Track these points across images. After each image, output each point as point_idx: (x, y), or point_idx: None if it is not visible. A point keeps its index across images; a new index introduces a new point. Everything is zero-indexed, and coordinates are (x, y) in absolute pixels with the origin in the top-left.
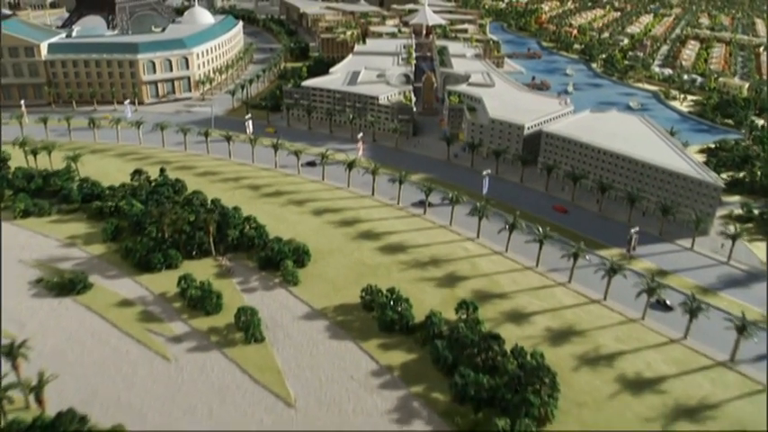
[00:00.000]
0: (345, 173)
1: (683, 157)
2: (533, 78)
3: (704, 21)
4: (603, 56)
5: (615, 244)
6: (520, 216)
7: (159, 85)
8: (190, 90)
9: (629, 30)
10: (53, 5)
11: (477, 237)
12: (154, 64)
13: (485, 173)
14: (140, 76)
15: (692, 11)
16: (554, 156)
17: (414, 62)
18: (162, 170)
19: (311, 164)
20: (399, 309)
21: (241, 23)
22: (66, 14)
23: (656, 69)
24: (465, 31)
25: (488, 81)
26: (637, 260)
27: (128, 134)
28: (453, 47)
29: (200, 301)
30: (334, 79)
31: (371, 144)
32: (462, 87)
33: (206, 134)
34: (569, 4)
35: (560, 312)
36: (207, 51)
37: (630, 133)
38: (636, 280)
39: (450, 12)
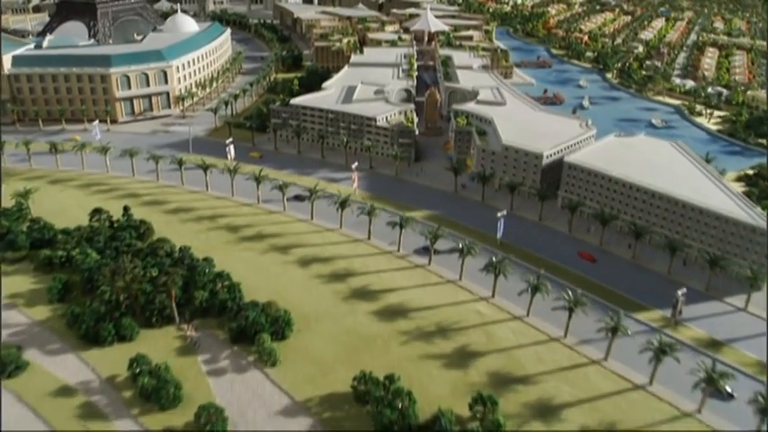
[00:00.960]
0: (338, 211)
1: (728, 194)
2: (545, 91)
3: (719, 25)
4: (618, 65)
5: (655, 304)
6: (539, 264)
7: (135, 101)
8: (169, 107)
9: (643, 36)
10: (36, 9)
11: (493, 296)
12: (128, 78)
13: (499, 214)
14: (113, 91)
15: (704, 14)
16: (577, 190)
17: (415, 74)
18: (125, 209)
19: (299, 198)
20: (400, 405)
21: (229, 31)
22: (49, 19)
23: (677, 81)
24: (470, 38)
25: (499, 98)
26: (683, 326)
27: (95, 160)
28: (458, 56)
29: (154, 392)
30: (327, 96)
31: (368, 172)
32: (470, 106)
33: (180, 162)
34: (577, 7)
35: (597, 404)
36: (188, 63)
37: (664, 163)
38: (689, 362)
39: (454, 16)
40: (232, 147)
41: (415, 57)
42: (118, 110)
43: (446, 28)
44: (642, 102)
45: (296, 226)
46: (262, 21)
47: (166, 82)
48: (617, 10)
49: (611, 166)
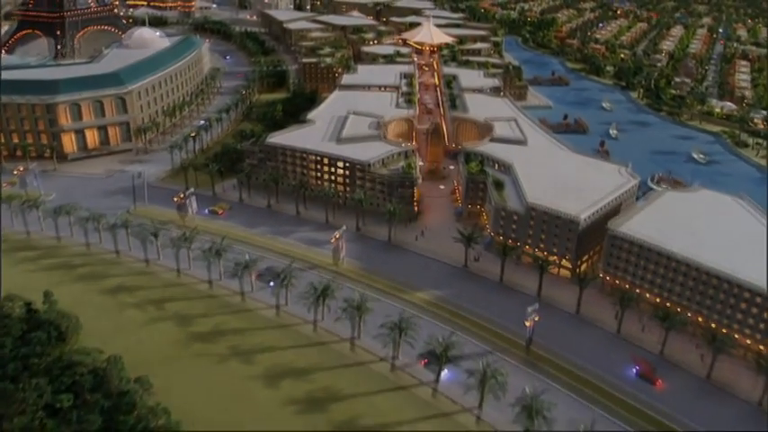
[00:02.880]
0: (318, 301)
1: None
2: (565, 117)
3: (742, 33)
4: (644, 82)
5: None
6: (584, 383)
7: (88, 133)
8: (130, 139)
9: (664, 46)
10: (8, 16)
11: None
12: (79, 107)
13: (530, 309)
14: (61, 123)
15: (724, 21)
16: (624, 265)
17: (417, 98)
18: (46, 296)
19: (271, 271)
20: None
21: (206, 45)
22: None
23: (714, 102)
24: (478, 51)
25: (518, 135)
26: None
27: (27, 214)
28: (465, 76)
29: None
30: (312, 131)
31: (354, 234)
32: (485, 148)
33: (126, 225)
34: (588, 13)
35: None
36: (153, 87)
37: (732, 229)
38: None
39: (458, 25)
40: (194, 199)
41: (417, 77)
42: (67, 144)
43: (450, 40)
44: (676, 128)
45: (265, 316)
46: (247, 30)
47: (126, 110)
48: (631, 16)
49: (669, 237)
